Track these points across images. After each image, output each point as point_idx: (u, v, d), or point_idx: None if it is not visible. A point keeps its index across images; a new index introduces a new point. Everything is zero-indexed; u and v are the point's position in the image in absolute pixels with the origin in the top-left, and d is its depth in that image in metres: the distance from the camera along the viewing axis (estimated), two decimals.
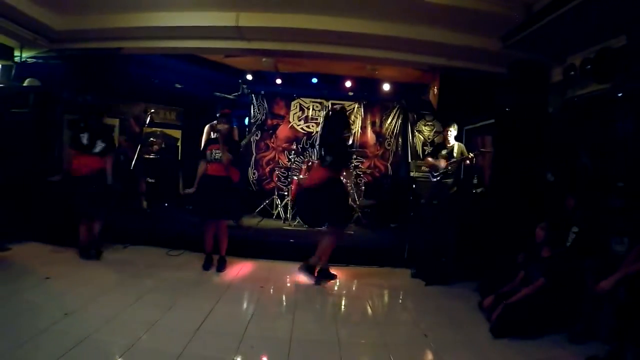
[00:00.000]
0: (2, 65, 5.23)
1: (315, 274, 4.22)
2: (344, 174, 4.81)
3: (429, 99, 5.72)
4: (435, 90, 5.30)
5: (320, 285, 4.16)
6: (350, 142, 7.41)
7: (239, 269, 4.52)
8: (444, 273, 4.47)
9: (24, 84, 5.32)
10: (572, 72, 4.31)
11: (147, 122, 5.88)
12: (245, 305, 3.57)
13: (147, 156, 6.61)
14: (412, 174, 6.87)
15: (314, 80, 7.29)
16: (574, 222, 3.66)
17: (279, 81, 7.28)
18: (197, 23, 4.53)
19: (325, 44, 4.90)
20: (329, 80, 7.31)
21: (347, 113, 6.85)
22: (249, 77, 7.18)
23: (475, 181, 5.90)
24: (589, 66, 4.04)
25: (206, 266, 4.41)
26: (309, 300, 3.87)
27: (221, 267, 4.41)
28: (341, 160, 4.31)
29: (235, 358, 2.60)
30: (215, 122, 4.59)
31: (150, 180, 6.60)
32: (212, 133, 4.79)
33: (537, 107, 4.64)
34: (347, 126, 4.40)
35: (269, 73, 7.16)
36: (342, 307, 3.79)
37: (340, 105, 7.27)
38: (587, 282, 3.09)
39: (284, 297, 3.93)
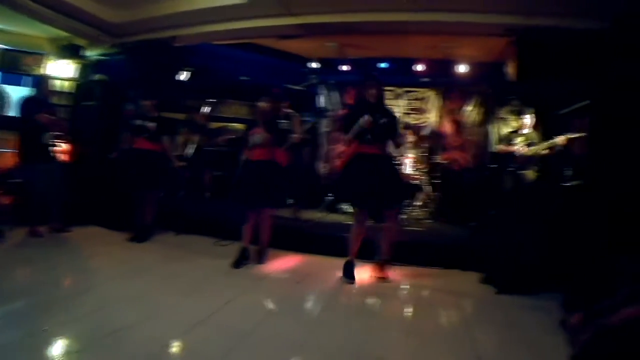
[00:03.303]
0: (76, 64, 5.70)
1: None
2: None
3: (510, 76, 4.82)
4: (514, 62, 4.41)
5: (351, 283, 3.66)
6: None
7: (283, 262, 4.18)
8: (521, 280, 3.61)
9: (93, 80, 5.72)
10: None
11: (210, 113, 5.94)
12: (268, 300, 3.21)
13: (212, 148, 6.64)
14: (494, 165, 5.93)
15: (383, 65, 6.74)
16: None
17: (348, 68, 6.87)
18: (240, 0, 4.35)
19: (381, 12, 4.38)
20: (401, 65, 6.70)
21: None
22: (316, 64, 6.87)
23: (570, 173, 4.83)
24: None
25: (237, 264, 3.88)
26: (346, 301, 3.36)
27: (262, 258, 4.08)
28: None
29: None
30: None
31: (216, 173, 6.62)
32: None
33: None
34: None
35: (338, 60, 6.80)
36: (381, 312, 3.19)
37: None
38: None
39: (318, 295, 3.45)
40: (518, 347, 2.60)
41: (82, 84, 5.73)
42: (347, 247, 3.74)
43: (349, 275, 3.68)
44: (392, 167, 3.78)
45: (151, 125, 4.54)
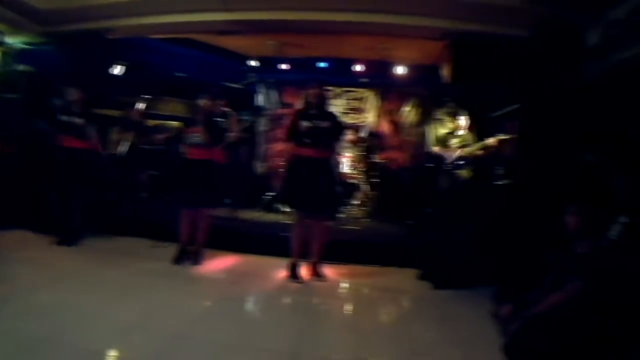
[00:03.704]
0: None
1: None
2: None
3: (445, 78, 5.01)
4: (449, 65, 4.59)
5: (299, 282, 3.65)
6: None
7: (220, 263, 4.08)
8: (457, 275, 3.77)
9: (17, 70, 5.24)
10: (615, 30, 3.49)
11: (146, 110, 5.67)
12: (205, 302, 3.11)
13: (148, 147, 6.32)
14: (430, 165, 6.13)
15: (322, 64, 6.75)
16: (622, 210, 2.84)
17: (288, 67, 6.78)
18: None
19: (320, 11, 4.36)
20: (340, 65, 6.73)
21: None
22: (254, 63, 6.73)
23: (501, 172, 5.11)
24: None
25: (178, 260, 3.93)
26: (284, 301, 3.36)
27: (198, 259, 3.98)
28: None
29: None
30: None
31: (152, 172, 6.32)
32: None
33: (569, 77, 3.83)
34: None
35: (277, 59, 6.67)
36: (320, 311, 3.20)
37: None
38: None
39: (255, 295, 3.42)
40: (452, 339, 2.71)
41: (3, 74, 5.20)
42: (289, 248, 3.73)
43: (295, 275, 3.68)
44: (330, 172, 3.79)
45: (79, 121, 4.25)
